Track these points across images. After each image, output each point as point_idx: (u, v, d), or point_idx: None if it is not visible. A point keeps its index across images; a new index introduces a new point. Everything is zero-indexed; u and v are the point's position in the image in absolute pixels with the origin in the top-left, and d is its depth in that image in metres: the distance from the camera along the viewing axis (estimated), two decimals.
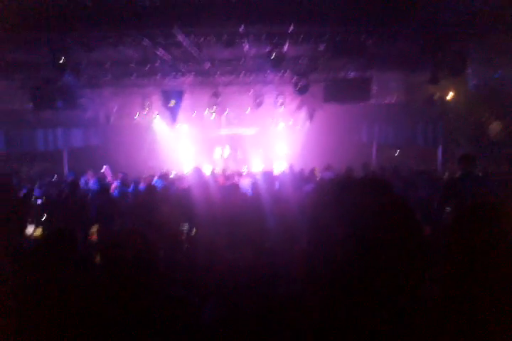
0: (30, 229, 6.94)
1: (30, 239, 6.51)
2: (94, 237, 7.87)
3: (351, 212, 0.92)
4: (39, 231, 8.06)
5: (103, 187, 8.95)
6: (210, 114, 19.71)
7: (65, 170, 19.36)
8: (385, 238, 0.92)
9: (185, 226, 6.71)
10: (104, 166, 16.11)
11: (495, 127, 15.54)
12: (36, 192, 10.87)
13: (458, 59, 12.33)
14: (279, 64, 10.80)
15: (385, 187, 0.98)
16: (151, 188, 8.36)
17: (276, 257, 3.04)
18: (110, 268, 2.30)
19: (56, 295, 2.78)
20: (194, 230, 6.39)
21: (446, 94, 17.23)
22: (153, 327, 2.12)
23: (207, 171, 12.02)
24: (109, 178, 14.13)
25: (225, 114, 21.25)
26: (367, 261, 0.91)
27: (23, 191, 9.95)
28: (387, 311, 0.98)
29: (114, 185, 11.62)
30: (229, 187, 8.75)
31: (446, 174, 13.67)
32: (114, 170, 16.15)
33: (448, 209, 6.26)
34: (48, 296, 2.80)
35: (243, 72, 14.63)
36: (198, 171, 7.91)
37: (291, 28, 9.43)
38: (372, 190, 0.96)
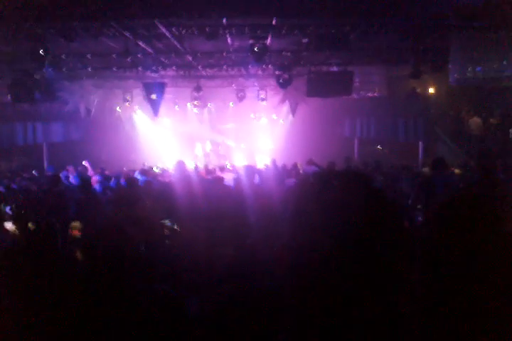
0: (8, 225, 6.82)
1: (9, 234, 6.39)
2: (76, 232, 7.76)
3: (332, 206, 0.90)
4: (18, 227, 7.94)
5: (83, 181, 8.82)
6: (192, 108, 19.64)
7: (45, 164, 19.10)
8: (366, 231, 0.90)
9: (167, 221, 6.66)
10: (84, 161, 15.94)
11: (475, 122, 15.73)
12: (15, 187, 10.70)
13: (439, 53, 12.42)
14: (261, 57, 10.75)
15: (365, 180, 0.97)
16: (131, 182, 8.27)
17: (258, 252, 3.02)
18: (90, 262, 2.26)
19: (37, 291, 2.73)
20: (176, 225, 6.34)
21: (428, 89, 17.39)
22: (137, 322, 2.09)
23: (189, 166, 11.94)
24: (89, 173, 13.97)
25: (207, 107, 21.19)
26: (350, 254, 0.89)
27: (1, 188, 9.80)
28: (370, 307, 0.96)
29: (95, 179, 11.48)
30: (211, 181, 8.71)
31: (426, 169, 13.80)
32: (94, 165, 15.98)
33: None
34: (28, 292, 2.75)
35: (226, 65, 14.54)
36: (180, 164, 7.83)
37: (275, 20, 9.37)
38: (352, 183, 0.94)
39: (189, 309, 2.34)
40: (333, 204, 0.93)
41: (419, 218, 6.45)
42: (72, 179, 11.94)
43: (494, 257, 1.16)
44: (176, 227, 6.29)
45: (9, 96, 14.54)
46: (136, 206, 6.41)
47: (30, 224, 4.97)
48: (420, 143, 17.66)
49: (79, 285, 2.43)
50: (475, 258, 1.15)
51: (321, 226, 0.92)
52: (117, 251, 2.18)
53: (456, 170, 12.12)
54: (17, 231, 5.74)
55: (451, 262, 1.17)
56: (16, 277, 3.00)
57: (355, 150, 20.80)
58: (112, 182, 11.04)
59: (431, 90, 17.96)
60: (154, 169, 14.89)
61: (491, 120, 15.41)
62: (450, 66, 10.84)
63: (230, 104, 20.99)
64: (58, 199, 7.86)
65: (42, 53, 10.02)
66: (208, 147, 22.67)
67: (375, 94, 17.73)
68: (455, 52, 10.56)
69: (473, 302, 1.14)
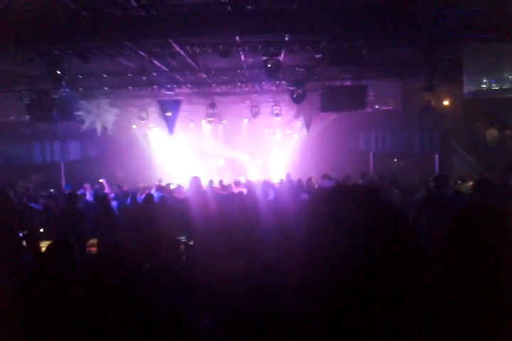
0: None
1: (28, 252, 6.45)
2: (94, 249, 7.81)
3: (345, 221, 0.90)
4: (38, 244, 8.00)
5: (99, 199, 8.90)
6: (206, 125, 19.77)
7: (63, 182, 19.32)
8: (380, 250, 0.90)
9: (183, 237, 6.68)
10: (101, 179, 16.08)
11: (491, 134, 15.59)
12: (33, 205, 10.82)
13: (453, 66, 12.40)
14: (275, 73, 10.81)
15: (376, 194, 0.96)
16: (148, 199, 8.32)
17: (273, 268, 3.01)
18: (98, 281, 2.28)
19: (54, 306, 2.75)
20: (192, 241, 6.35)
21: (442, 101, 17.32)
22: (149, 338, 2.09)
23: (204, 181, 11.99)
24: (106, 190, 14.09)
25: (222, 123, 21.30)
26: (364, 271, 0.89)
27: (22, 206, 9.91)
28: (384, 323, 0.95)
29: (112, 197, 11.58)
30: (226, 196, 8.73)
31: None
32: (111, 182, 16.12)
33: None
34: (46, 308, 2.77)
35: (239, 81, 14.66)
36: (196, 180, 7.87)
37: (287, 36, 9.45)
38: (365, 199, 0.93)
39: (201, 325, 2.34)
40: (346, 223, 0.93)
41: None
42: (89, 197, 12.07)
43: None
44: (191, 243, 6.31)
45: (27, 116, 14.82)
46: (153, 223, 6.45)
47: (46, 243, 5.02)
48: (436, 155, 17.52)
49: (95, 302, 2.44)
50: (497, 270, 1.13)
51: (333, 245, 0.93)
52: (124, 271, 2.20)
53: (471, 183, 11.99)
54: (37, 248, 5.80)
55: (466, 271, 1.16)
56: (33, 292, 3.04)
57: (371, 164, 20.71)
58: (129, 199, 11.12)
59: (445, 102, 17.89)
60: (170, 186, 14.97)
61: (507, 131, 15.26)
62: (464, 78, 10.80)
63: (245, 119, 21.10)
64: (76, 217, 7.93)
65: (59, 73, 10.21)
66: (222, 163, 22.76)
67: (390, 108, 17.69)
68: (469, 64, 10.53)
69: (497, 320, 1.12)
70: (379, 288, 0.92)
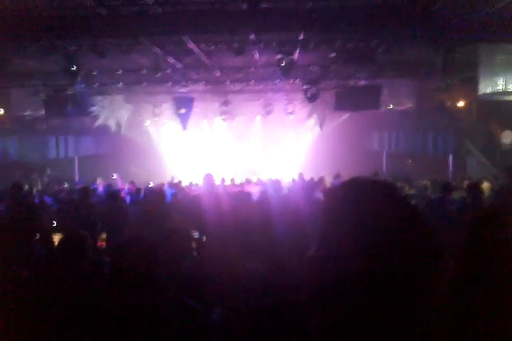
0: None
1: (41, 244, 6.51)
2: (103, 244, 7.85)
3: (362, 218, 0.88)
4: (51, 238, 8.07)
5: (112, 194, 8.94)
6: (220, 122, 19.79)
7: (76, 177, 19.47)
8: (400, 245, 0.88)
9: (196, 234, 6.69)
10: (115, 174, 16.18)
11: (506, 135, 15.43)
12: (47, 199, 10.91)
13: (468, 66, 12.29)
14: (289, 71, 10.79)
15: (391, 190, 0.93)
16: (161, 195, 8.34)
17: (286, 266, 3.01)
18: (115, 275, 2.28)
19: (66, 301, 2.77)
20: (204, 237, 6.36)
21: (457, 102, 17.15)
22: (160, 335, 2.10)
23: (217, 179, 12.01)
24: (119, 186, 14.17)
25: (235, 121, 21.29)
26: (383, 270, 0.87)
27: (35, 200, 10.00)
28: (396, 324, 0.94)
29: (125, 192, 11.64)
30: (239, 194, 8.73)
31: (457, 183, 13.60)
32: (124, 178, 16.20)
33: None
34: (58, 302, 2.79)
35: (253, 79, 14.65)
36: (208, 178, 7.88)
37: (302, 35, 9.43)
38: (379, 194, 0.91)
39: (213, 323, 2.34)
40: (363, 219, 0.92)
41: None
42: (101, 191, 12.14)
43: None
44: (203, 239, 6.32)
45: (43, 111, 14.94)
46: (165, 218, 6.46)
47: (58, 236, 5.06)
48: (450, 157, 17.38)
49: (105, 297, 2.46)
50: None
51: (350, 242, 0.91)
52: (143, 265, 2.21)
53: (485, 184, 11.92)
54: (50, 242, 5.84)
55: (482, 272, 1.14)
56: (46, 285, 3.06)
57: (384, 164, 20.59)
58: (142, 195, 11.16)
59: (460, 103, 17.73)
60: (182, 183, 15.02)
61: None
62: (480, 79, 10.71)
63: (258, 117, 21.08)
64: (88, 212, 7.98)
65: (74, 69, 10.28)
66: (235, 161, 22.75)
67: (404, 108, 17.56)
68: (484, 65, 10.43)
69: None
70: (398, 288, 0.91)
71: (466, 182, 12.04)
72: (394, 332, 0.93)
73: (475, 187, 7.02)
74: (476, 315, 1.10)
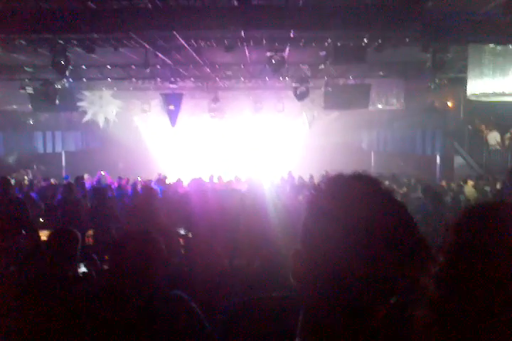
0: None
1: (28, 241, 6.46)
2: (90, 240, 7.81)
3: (345, 211, 0.87)
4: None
5: (99, 190, 8.89)
6: (209, 119, 19.74)
7: (63, 173, 19.34)
8: (384, 238, 0.87)
9: (182, 231, 6.68)
10: (102, 172, 16.09)
11: (493, 136, 15.58)
12: (33, 195, 10.82)
13: (457, 67, 12.37)
14: (279, 69, 10.79)
15: (375, 184, 0.92)
16: (148, 191, 8.29)
17: (273, 263, 3.01)
18: (117, 269, 2.26)
19: (58, 296, 2.76)
20: (190, 233, 6.35)
21: (446, 102, 17.28)
22: (153, 328, 2.09)
23: (205, 177, 11.99)
24: (107, 181, 14.10)
25: (224, 118, 21.23)
26: (368, 264, 0.87)
27: (21, 195, 9.90)
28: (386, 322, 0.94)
29: (112, 188, 11.58)
30: (227, 192, 8.72)
31: (443, 182, 13.73)
32: (112, 174, 16.11)
33: None
34: (49, 298, 2.77)
35: (243, 77, 14.63)
36: (197, 178, 7.91)
37: (292, 33, 9.43)
38: (363, 188, 0.90)
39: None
40: (346, 213, 0.91)
41: None
42: (88, 187, 12.06)
43: None
44: (189, 235, 6.31)
45: (30, 106, 14.80)
46: (153, 214, 6.44)
47: (45, 232, 5.02)
48: (437, 156, 17.52)
49: (101, 290, 2.44)
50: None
51: (334, 236, 0.90)
52: (148, 259, 2.19)
53: (470, 182, 12.09)
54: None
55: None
56: (36, 281, 3.03)
57: (372, 163, 20.70)
58: (130, 190, 11.12)
59: (449, 103, 17.86)
60: (169, 179, 14.98)
61: (509, 134, 15.25)
62: (468, 79, 10.77)
63: (247, 115, 21.05)
64: (73, 208, 7.92)
65: (63, 63, 10.18)
66: (224, 158, 22.70)
67: (393, 107, 17.66)
68: (473, 66, 10.49)
69: None
70: (384, 281, 0.91)
71: (461, 183, 12.24)
72: (381, 327, 0.92)
73: (436, 194, 7.26)
74: (466, 311, 1.10)
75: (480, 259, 1.09)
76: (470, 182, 12.20)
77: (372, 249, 0.86)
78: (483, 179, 12.92)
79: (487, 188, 11.84)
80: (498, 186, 10.85)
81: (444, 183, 13.40)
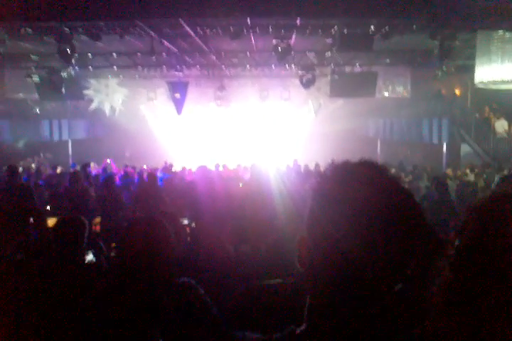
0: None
1: (35, 228, 6.51)
2: (97, 228, 7.87)
3: (351, 199, 0.87)
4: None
5: (106, 178, 8.93)
6: (215, 107, 19.70)
7: (70, 161, 19.41)
8: (387, 226, 0.87)
9: (186, 221, 6.71)
10: (108, 159, 16.14)
11: (501, 124, 15.48)
12: (41, 182, 10.89)
13: (465, 55, 12.26)
14: (285, 57, 10.73)
15: (381, 170, 0.92)
16: (153, 179, 8.34)
17: (280, 250, 3.03)
18: (125, 255, 2.27)
19: (66, 283, 2.78)
20: (193, 223, 6.39)
21: (453, 90, 17.16)
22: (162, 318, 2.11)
23: (211, 165, 12.00)
24: (113, 170, 14.15)
25: (230, 106, 21.17)
26: (373, 254, 0.87)
27: (30, 183, 9.96)
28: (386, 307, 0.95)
29: (118, 176, 11.63)
30: (233, 179, 8.74)
31: (449, 170, 13.69)
32: (118, 162, 16.16)
33: None
34: (57, 285, 2.80)
35: (249, 64, 14.56)
36: (203, 166, 7.91)
37: (299, 20, 9.36)
38: (369, 174, 0.90)
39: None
40: (352, 200, 0.91)
41: None
42: (94, 175, 12.12)
43: None
44: (193, 225, 6.34)
45: (36, 94, 14.81)
46: (159, 202, 6.48)
47: (52, 220, 5.05)
48: (444, 144, 17.44)
49: (107, 280, 2.47)
50: None
51: (338, 224, 0.91)
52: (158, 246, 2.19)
53: (475, 170, 12.07)
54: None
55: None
56: (42, 270, 3.06)
57: (378, 151, 20.64)
58: (136, 178, 11.16)
59: (456, 91, 17.74)
60: (175, 167, 15.01)
61: None
62: (475, 67, 10.68)
63: (253, 103, 20.98)
64: (80, 196, 7.97)
65: (69, 52, 10.17)
66: (230, 146, 22.69)
67: (399, 95, 17.55)
68: (480, 53, 10.40)
69: None
70: (389, 267, 0.91)
71: (468, 171, 12.20)
72: (386, 315, 0.93)
73: (442, 182, 7.15)
74: (480, 300, 1.08)
75: (501, 247, 1.07)
76: (475, 170, 12.19)
77: (378, 235, 0.86)
78: (490, 167, 12.86)
79: (495, 176, 11.81)
80: (506, 173, 10.79)
81: (449, 171, 13.35)
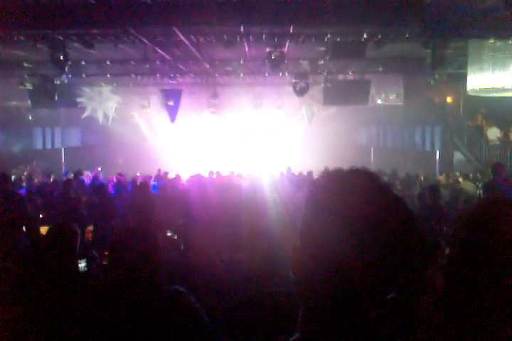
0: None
1: (29, 238, 6.47)
2: (89, 236, 7.84)
3: (343, 206, 0.87)
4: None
5: (98, 187, 8.90)
6: (208, 115, 19.73)
7: (63, 169, 19.34)
8: (379, 233, 0.87)
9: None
10: (99, 168, 16.10)
11: (493, 132, 15.57)
12: (32, 191, 10.82)
13: (457, 62, 12.35)
14: (278, 65, 10.77)
15: (373, 178, 0.91)
16: (147, 187, 8.32)
17: (273, 257, 3.02)
18: (116, 264, 2.26)
19: (58, 292, 2.76)
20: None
21: (445, 98, 17.26)
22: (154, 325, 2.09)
23: (205, 173, 11.98)
24: (100, 178, 14.10)
25: (224, 114, 21.20)
26: (365, 259, 0.87)
27: (22, 191, 9.91)
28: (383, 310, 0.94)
29: (111, 184, 11.59)
30: (227, 187, 8.73)
31: (442, 177, 13.75)
32: (111, 169, 16.11)
33: None
34: (49, 293, 2.77)
35: (243, 73, 14.61)
36: (197, 174, 7.92)
37: (292, 28, 9.40)
38: (361, 182, 0.90)
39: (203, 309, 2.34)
40: (344, 208, 0.91)
41: None
42: (87, 183, 12.08)
43: None
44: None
45: (29, 102, 14.77)
46: (152, 211, 6.45)
47: (44, 228, 5.02)
48: (437, 151, 17.53)
49: (99, 287, 2.45)
50: None
51: (330, 232, 0.90)
52: (146, 256, 2.19)
53: (459, 179, 12.14)
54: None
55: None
56: (35, 276, 3.04)
57: (371, 158, 20.70)
58: (129, 186, 11.12)
59: (448, 99, 17.85)
60: (168, 175, 14.98)
61: (509, 129, 15.23)
62: (468, 75, 10.76)
63: (247, 111, 21.03)
64: (72, 204, 7.93)
65: (62, 59, 10.16)
66: (224, 154, 22.69)
67: (392, 103, 17.63)
68: (472, 62, 10.48)
69: None
70: (384, 275, 0.91)
71: (460, 180, 12.24)
72: (379, 323, 0.93)
73: (435, 189, 7.13)
74: (473, 304, 1.08)
75: (491, 254, 1.07)
76: (468, 177, 12.25)
77: (370, 243, 0.86)
78: (482, 174, 12.93)
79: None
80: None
81: (442, 178, 13.41)
